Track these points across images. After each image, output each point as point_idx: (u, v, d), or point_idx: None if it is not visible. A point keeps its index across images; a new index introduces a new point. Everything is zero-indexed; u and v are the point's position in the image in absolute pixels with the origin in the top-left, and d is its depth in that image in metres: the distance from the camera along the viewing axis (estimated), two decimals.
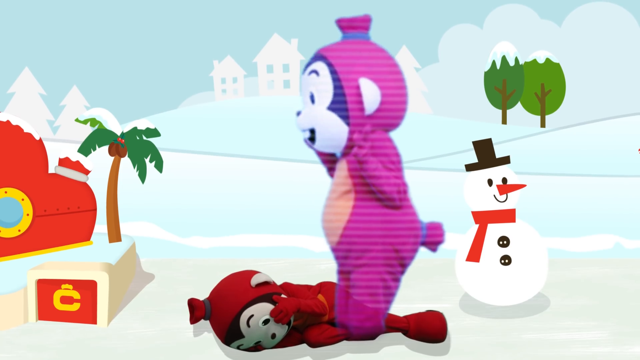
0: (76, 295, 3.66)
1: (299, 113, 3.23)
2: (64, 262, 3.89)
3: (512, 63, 6.00)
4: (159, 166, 4.47)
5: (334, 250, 3.28)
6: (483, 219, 3.65)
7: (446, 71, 5.93)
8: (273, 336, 3.20)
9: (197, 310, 3.22)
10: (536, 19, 5.84)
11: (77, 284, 3.66)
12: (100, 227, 4.39)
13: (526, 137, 5.87)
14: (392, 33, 5.74)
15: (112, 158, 4.42)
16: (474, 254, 3.63)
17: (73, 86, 5.94)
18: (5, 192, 4.03)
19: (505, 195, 3.63)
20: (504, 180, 3.64)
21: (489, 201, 3.64)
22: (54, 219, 4.16)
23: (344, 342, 3.31)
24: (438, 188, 4.75)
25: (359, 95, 3.08)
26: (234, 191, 5.36)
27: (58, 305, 3.67)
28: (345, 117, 3.11)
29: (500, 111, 6.04)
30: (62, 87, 5.94)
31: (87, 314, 3.65)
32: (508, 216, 3.64)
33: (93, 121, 4.37)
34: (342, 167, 3.22)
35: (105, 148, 4.41)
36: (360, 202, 3.18)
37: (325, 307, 3.32)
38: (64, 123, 6.00)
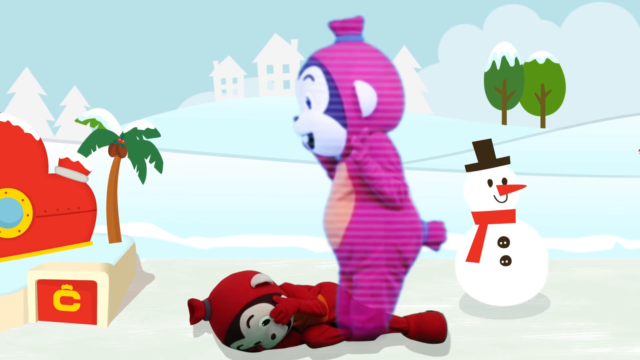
0: (76, 295, 3.66)
1: (296, 118, 3.23)
2: (64, 263, 3.89)
3: (512, 63, 6.00)
4: (159, 167, 4.47)
5: (336, 252, 3.28)
6: (483, 219, 3.65)
7: (446, 71, 5.93)
8: (273, 337, 3.20)
9: (197, 311, 3.22)
10: (536, 20, 5.84)
11: (77, 285, 3.66)
12: (100, 227, 4.39)
13: (526, 137, 5.87)
14: (392, 33, 5.74)
15: (112, 158, 4.42)
16: (474, 255, 3.63)
17: (73, 87, 5.94)
18: (6, 193, 4.03)
19: (505, 195, 3.63)
20: (504, 180, 3.64)
21: (489, 202, 3.64)
22: (54, 219, 4.16)
23: (344, 342, 3.31)
24: (438, 188, 4.75)
25: (355, 98, 3.08)
26: (234, 192, 5.36)
27: (58, 305, 3.67)
28: (342, 121, 3.11)
29: (500, 111, 6.04)
30: (62, 87, 5.95)
31: (87, 315, 3.65)
32: (508, 217, 3.64)
33: (93, 122, 4.37)
34: (341, 169, 3.22)
35: (105, 148, 4.41)
36: (361, 203, 3.18)
37: (325, 307, 3.32)
38: (64, 123, 6.00)
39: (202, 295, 3.40)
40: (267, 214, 5.22)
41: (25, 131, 4.08)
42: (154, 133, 4.45)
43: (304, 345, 3.30)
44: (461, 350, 3.23)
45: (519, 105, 6.09)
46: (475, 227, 3.67)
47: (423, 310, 3.42)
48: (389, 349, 3.26)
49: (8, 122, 4.04)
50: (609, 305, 3.76)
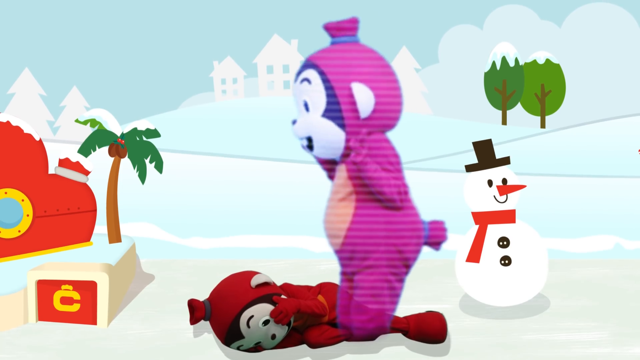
0: (76, 296, 3.66)
1: (294, 121, 3.23)
2: (64, 263, 3.89)
3: (512, 64, 6.00)
4: (159, 167, 4.47)
5: (337, 252, 3.28)
6: (483, 219, 3.65)
7: (446, 72, 5.93)
8: (273, 337, 3.20)
9: (197, 311, 3.22)
10: (536, 20, 5.84)
11: (77, 285, 3.66)
12: (100, 227, 4.39)
13: (526, 137, 5.87)
14: (392, 34, 5.75)
15: (112, 159, 4.42)
16: (474, 255, 3.63)
17: (73, 87, 5.94)
18: (6, 193, 4.03)
19: (505, 196, 3.63)
20: (504, 181, 3.64)
21: (489, 202, 3.64)
22: (54, 219, 4.16)
23: (344, 342, 3.31)
24: (438, 189, 4.75)
25: (353, 99, 3.07)
26: (234, 192, 5.36)
27: (58, 306, 3.67)
28: (340, 123, 3.11)
29: (500, 112, 6.04)
30: (62, 87, 5.95)
31: (87, 315, 3.65)
32: (508, 217, 3.64)
33: (93, 122, 4.37)
34: (341, 170, 3.22)
35: (105, 149, 4.41)
36: (362, 204, 3.18)
37: (325, 307, 3.32)
38: (64, 124, 6.00)
39: (202, 295, 3.40)
40: (267, 214, 5.22)
41: (25, 131, 4.08)
42: (154, 133, 4.45)
43: (304, 346, 3.30)
44: (461, 351, 3.23)
45: (519, 105, 6.09)
46: (475, 228, 3.67)
47: (423, 311, 3.42)
48: (389, 349, 3.26)
49: (8, 122, 4.04)
50: (609, 305, 3.76)
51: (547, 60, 5.94)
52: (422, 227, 3.26)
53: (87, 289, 3.64)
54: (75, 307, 3.66)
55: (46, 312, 3.68)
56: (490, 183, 3.64)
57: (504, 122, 6.03)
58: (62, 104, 6.00)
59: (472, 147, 3.69)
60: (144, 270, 4.56)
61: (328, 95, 3.11)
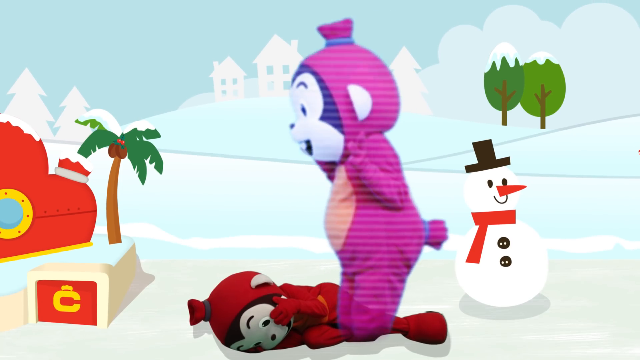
0: (76, 296, 3.66)
1: (292, 125, 3.23)
2: (64, 263, 3.89)
3: (512, 64, 6.00)
4: (159, 167, 4.47)
5: (338, 254, 3.28)
6: (483, 220, 3.65)
7: (446, 72, 5.93)
8: (273, 337, 3.20)
9: (197, 312, 3.22)
10: (536, 20, 5.84)
11: (77, 285, 3.66)
12: (100, 228, 4.39)
13: (526, 138, 5.87)
14: (392, 34, 5.74)
15: (112, 159, 4.42)
16: (474, 255, 3.63)
17: (73, 87, 5.94)
18: (6, 194, 4.04)
19: (505, 196, 3.63)
20: (504, 181, 3.64)
21: (489, 202, 3.64)
22: (54, 220, 4.16)
23: (344, 343, 3.31)
24: (438, 189, 4.75)
25: (350, 102, 3.07)
26: (234, 192, 5.36)
27: (58, 306, 3.67)
28: (338, 126, 3.11)
29: (500, 112, 6.04)
30: (62, 88, 5.95)
31: (87, 315, 3.65)
32: (508, 217, 3.64)
33: (93, 122, 4.37)
34: (341, 172, 3.22)
35: (105, 149, 4.41)
36: (362, 205, 3.18)
37: (325, 308, 3.32)
38: (64, 124, 6.00)
39: (202, 295, 3.40)
40: (267, 214, 5.22)
41: (25, 132, 4.08)
42: (154, 134, 4.45)
43: (304, 346, 3.30)
44: (461, 351, 3.23)
45: (519, 105, 6.09)
46: (475, 228, 3.67)
47: (423, 311, 3.42)
48: (389, 350, 3.26)
49: (8, 122, 4.04)
50: (609, 306, 3.76)
51: (547, 61, 5.94)
52: (423, 227, 3.26)
53: (87, 289, 3.65)
54: (75, 308, 3.66)
55: (46, 312, 3.68)
56: (490, 183, 3.64)
57: (504, 122, 6.03)
58: (62, 105, 5.99)
59: (472, 147, 3.69)
60: (144, 271, 4.56)
61: (325, 98, 3.10)
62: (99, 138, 4.38)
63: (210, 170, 5.55)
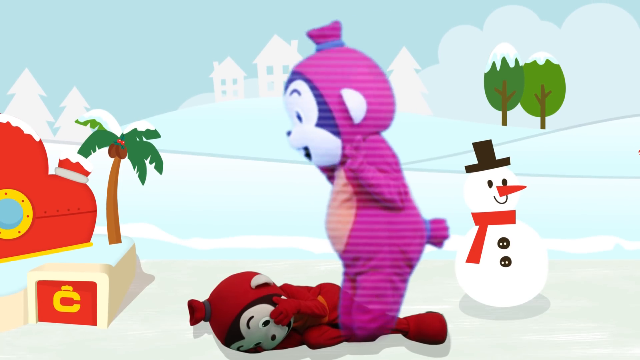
0: (76, 296, 3.66)
1: (289, 133, 3.22)
2: (64, 264, 3.89)
3: (512, 64, 6.00)
4: (159, 167, 4.47)
5: (340, 254, 3.28)
6: (483, 220, 3.65)
7: (446, 72, 5.93)
8: (273, 337, 3.20)
9: (197, 312, 3.22)
10: (536, 21, 5.84)
11: (77, 286, 3.66)
12: (100, 228, 4.39)
13: (526, 138, 5.86)
14: (392, 34, 5.74)
15: (112, 159, 4.42)
16: (474, 256, 3.63)
17: (73, 87, 5.94)
18: (6, 194, 4.04)
19: (505, 196, 3.63)
20: (504, 181, 3.64)
21: (489, 202, 3.64)
22: (54, 220, 4.16)
23: (344, 343, 3.31)
24: (438, 189, 4.75)
25: (344, 106, 3.06)
26: (234, 193, 5.36)
27: (58, 306, 3.67)
28: (335, 131, 3.11)
29: (500, 112, 6.04)
30: (62, 88, 5.94)
31: (87, 316, 3.65)
32: (508, 217, 3.64)
33: (93, 122, 4.37)
34: (341, 174, 3.22)
35: (105, 149, 4.41)
36: (363, 206, 3.18)
37: (325, 308, 3.32)
38: (64, 124, 5.99)
39: (202, 296, 3.40)
40: (267, 215, 5.22)
41: (25, 132, 4.08)
42: (154, 134, 4.45)
43: (304, 346, 3.30)
44: (461, 351, 3.23)
45: (519, 106, 6.08)
46: (475, 228, 3.67)
47: (423, 311, 3.42)
48: (389, 350, 3.26)
49: (8, 123, 4.04)
50: (609, 306, 3.76)
51: (547, 61, 5.94)
52: (424, 227, 3.26)
53: (87, 289, 3.64)
54: (75, 308, 3.66)
55: (46, 312, 3.68)
56: (490, 184, 3.64)
57: (504, 122, 6.03)
58: (62, 105, 5.99)
59: (472, 147, 3.69)
60: (144, 271, 4.56)
61: (319, 105, 3.10)
62: (99, 138, 4.38)
63: (210, 170, 5.55)
